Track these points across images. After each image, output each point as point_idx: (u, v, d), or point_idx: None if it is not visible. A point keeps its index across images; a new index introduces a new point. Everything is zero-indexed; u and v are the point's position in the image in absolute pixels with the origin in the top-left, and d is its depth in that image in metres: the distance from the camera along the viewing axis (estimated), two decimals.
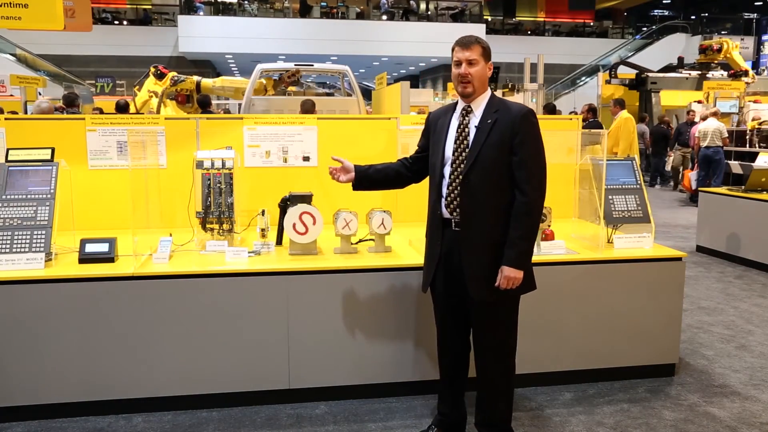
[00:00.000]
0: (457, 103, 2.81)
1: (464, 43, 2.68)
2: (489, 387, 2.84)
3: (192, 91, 10.00)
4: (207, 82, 9.99)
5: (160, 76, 9.93)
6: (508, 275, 2.61)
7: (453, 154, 2.71)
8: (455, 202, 2.69)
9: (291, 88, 9.74)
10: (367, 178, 2.99)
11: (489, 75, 2.73)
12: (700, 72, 16.22)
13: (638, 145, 14.25)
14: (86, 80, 21.47)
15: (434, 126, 2.85)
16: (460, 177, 2.67)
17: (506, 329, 2.79)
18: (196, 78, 10.03)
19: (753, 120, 12.56)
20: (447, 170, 2.72)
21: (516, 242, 2.61)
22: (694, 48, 26.41)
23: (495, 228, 2.65)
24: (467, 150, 2.67)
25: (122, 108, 9.74)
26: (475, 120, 2.70)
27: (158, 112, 9.47)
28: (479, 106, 2.72)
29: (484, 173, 2.63)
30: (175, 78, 9.77)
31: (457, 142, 2.71)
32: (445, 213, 2.74)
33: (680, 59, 18.12)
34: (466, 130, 2.70)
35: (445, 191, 2.73)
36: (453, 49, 2.71)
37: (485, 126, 2.66)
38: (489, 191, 2.64)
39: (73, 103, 9.52)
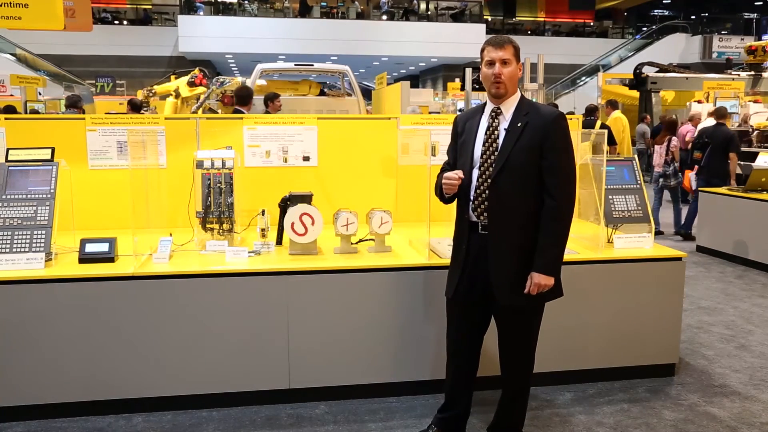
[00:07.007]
0: (485, 104, 2.74)
1: (497, 42, 2.61)
2: (508, 388, 2.84)
3: None
4: None
5: (191, 84, 10.04)
6: (539, 282, 2.58)
7: (481, 157, 2.65)
8: (483, 206, 2.64)
9: (291, 90, 9.80)
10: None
11: (519, 75, 2.68)
12: (751, 73, 16.19)
13: (639, 144, 14.27)
14: (86, 80, 21.46)
15: (462, 128, 2.78)
16: (489, 180, 2.62)
17: (530, 334, 2.76)
18: (240, 79, 10.12)
19: (744, 120, 12.48)
20: (475, 173, 2.67)
21: (546, 249, 2.58)
22: (694, 48, 26.49)
23: (522, 232, 2.61)
24: (496, 153, 2.62)
25: (136, 107, 9.79)
26: (504, 122, 2.65)
27: (194, 112, 9.64)
28: (509, 108, 2.66)
29: (513, 177, 2.58)
30: (221, 80, 9.88)
31: (486, 144, 2.65)
32: (473, 216, 2.69)
33: (728, 60, 18.10)
34: (496, 132, 2.65)
35: (472, 194, 2.67)
36: (483, 49, 2.64)
37: (515, 129, 2.60)
38: (517, 195, 2.60)
39: (76, 105, 9.50)
